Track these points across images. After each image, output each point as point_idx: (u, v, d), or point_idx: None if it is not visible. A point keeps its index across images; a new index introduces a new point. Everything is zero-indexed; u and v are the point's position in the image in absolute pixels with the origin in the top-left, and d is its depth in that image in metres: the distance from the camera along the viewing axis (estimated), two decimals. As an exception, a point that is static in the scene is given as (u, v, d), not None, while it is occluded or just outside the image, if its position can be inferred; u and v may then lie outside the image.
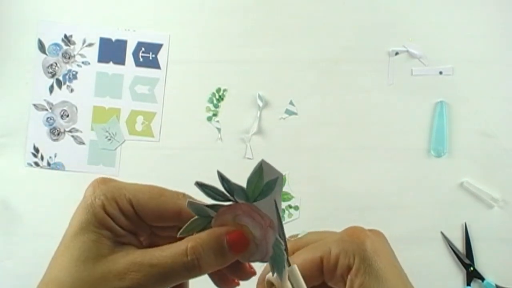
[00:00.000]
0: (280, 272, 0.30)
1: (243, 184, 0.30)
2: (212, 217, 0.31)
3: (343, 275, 0.32)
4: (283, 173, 0.76)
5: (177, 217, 0.32)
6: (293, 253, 0.34)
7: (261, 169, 0.30)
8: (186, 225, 0.31)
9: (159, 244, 0.32)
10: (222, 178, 0.30)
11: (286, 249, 0.31)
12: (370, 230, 0.34)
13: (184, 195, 0.33)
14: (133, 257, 0.29)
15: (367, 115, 0.76)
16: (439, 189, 0.75)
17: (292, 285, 0.31)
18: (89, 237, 0.30)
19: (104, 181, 0.32)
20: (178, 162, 0.77)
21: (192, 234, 0.31)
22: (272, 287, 0.32)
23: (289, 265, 0.31)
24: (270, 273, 0.32)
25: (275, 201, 0.30)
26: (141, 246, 0.32)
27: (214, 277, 0.34)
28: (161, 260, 0.29)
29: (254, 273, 0.33)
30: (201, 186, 0.30)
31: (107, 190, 0.31)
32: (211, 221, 0.31)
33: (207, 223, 0.31)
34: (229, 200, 0.31)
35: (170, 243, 0.31)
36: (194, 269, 0.29)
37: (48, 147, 0.78)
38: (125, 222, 0.31)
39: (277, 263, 0.31)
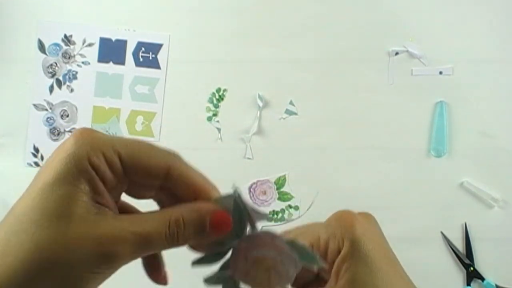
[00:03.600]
0: (317, 263, 0.30)
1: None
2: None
3: (334, 261, 0.31)
4: (283, 173, 0.77)
5: (164, 174, 0.30)
6: None
7: (237, 203, 0.30)
8: None
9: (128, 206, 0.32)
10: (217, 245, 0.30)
11: (251, 221, 0.31)
12: (359, 213, 0.33)
13: (175, 153, 0.31)
14: (113, 222, 0.28)
15: (367, 115, 0.76)
16: (439, 189, 0.75)
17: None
18: (66, 191, 0.27)
19: (89, 131, 0.29)
20: (178, 162, 0.77)
21: None
22: None
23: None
24: None
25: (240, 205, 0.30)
26: (115, 209, 0.30)
27: (147, 268, 0.33)
28: (144, 229, 0.28)
29: (164, 284, 0.33)
30: (198, 264, 0.31)
31: (93, 140, 0.28)
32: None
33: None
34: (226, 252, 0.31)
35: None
36: (172, 241, 0.29)
37: (48, 147, 0.78)
38: (109, 176, 0.29)
39: (308, 260, 0.30)
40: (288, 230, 0.34)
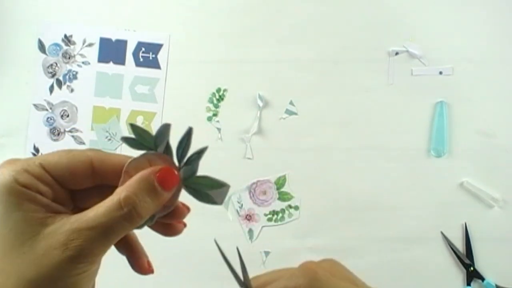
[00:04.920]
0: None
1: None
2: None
3: None
4: (283, 173, 0.77)
5: (90, 168, 0.31)
6: None
7: (190, 133, 0.32)
8: None
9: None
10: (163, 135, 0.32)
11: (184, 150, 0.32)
12: (323, 260, 0.33)
13: (92, 148, 0.33)
14: (70, 225, 0.28)
15: (367, 115, 0.76)
16: (439, 189, 0.75)
17: None
18: (14, 219, 0.28)
19: (10, 160, 0.31)
20: (178, 162, 0.77)
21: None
22: None
23: None
24: None
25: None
26: (72, 212, 0.31)
27: (158, 229, 0.34)
28: (98, 221, 0.28)
29: (187, 210, 0.34)
30: (126, 139, 0.31)
31: (15, 165, 0.30)
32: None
33: None
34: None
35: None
36: (133, 219, 0.29)
37: (48, 147, 0.78)
38: (44, 188, 0.30)
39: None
40: (259, 275, 0.34)
